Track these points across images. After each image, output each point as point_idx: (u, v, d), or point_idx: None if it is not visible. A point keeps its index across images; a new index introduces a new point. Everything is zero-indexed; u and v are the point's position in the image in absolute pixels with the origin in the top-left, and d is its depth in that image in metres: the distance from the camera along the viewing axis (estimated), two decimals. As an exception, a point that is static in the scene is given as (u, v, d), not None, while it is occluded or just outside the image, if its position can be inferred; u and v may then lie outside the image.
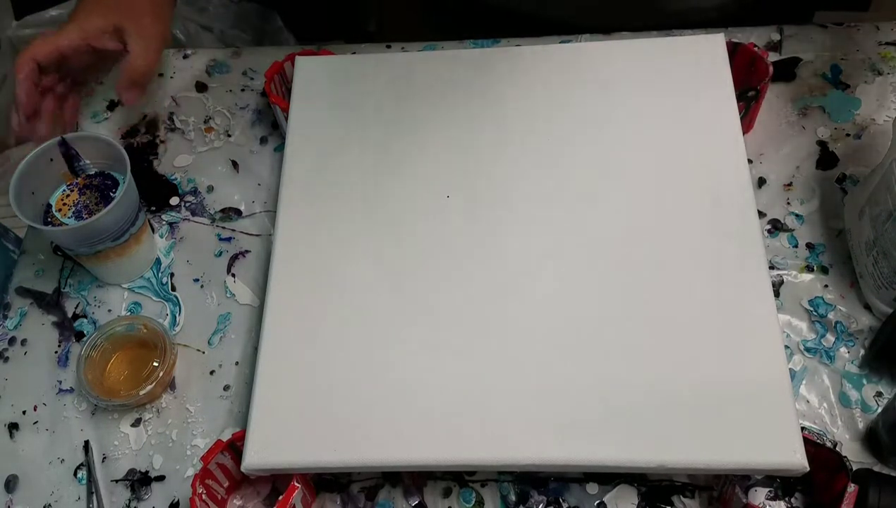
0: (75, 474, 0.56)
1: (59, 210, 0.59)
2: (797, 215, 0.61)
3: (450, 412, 0.49)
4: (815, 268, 0.59)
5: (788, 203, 0.62)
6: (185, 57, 0.76)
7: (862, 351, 0.55)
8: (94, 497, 0.55)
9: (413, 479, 0.54)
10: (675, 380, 0.49)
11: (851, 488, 0.46)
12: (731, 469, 0.47)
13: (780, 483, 0.50)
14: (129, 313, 0.62)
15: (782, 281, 0.58)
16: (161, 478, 0.55)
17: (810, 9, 0.78)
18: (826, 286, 0.58)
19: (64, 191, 0.60)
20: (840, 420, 0.53)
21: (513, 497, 0.52)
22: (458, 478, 0.53)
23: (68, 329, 0.62)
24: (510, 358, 0.50)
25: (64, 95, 0.64)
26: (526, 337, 0.51)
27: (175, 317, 0.61)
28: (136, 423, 0.57)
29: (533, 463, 0.47)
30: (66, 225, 0.58)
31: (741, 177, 0.55)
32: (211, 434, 0.56)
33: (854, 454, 0.52)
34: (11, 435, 0.58)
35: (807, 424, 0.53)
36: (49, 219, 0.59)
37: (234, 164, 0.69)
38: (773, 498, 0.50)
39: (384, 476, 0.54)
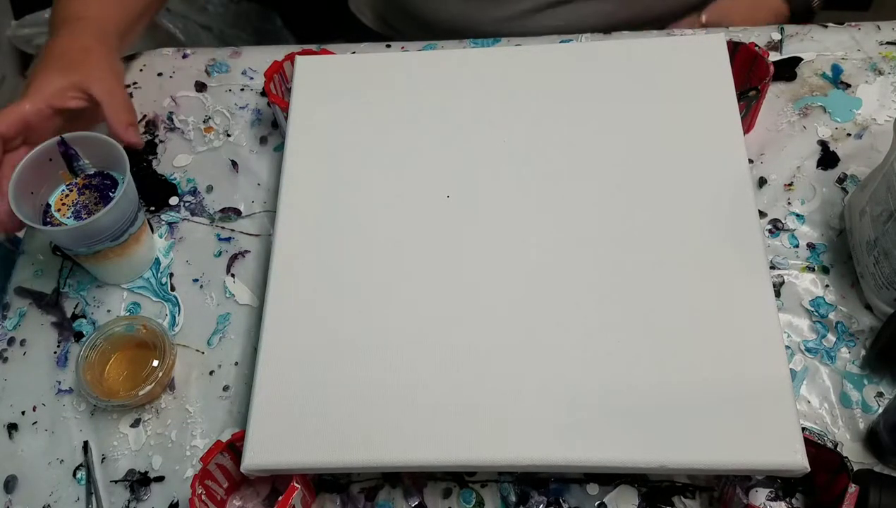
0: (74, 474, 0.56)
1: (59, 210, 0.59)
2: (798, 215, 0.61)
3: (450, 412, 0.49)
4: (815, 268, 0.58)
5: (789, 203, 0.61)
6: (185, 56, 0.76)
7: (863, 352, 0.55)
8: (94, 498, 0.55)
9: (413, 480, 0.54)
10: (675, 380, 0.49)
11: (852, 488, 0.46)
12: (731, 470, 0.47)
13: (780, 483, 0.50)
14: (128, 313, 0.62)
15: (783, 281, 0.58)
16: (160, 479, 0.55)
17: None
18: (827, 286, 0.58)
19: (63, 190, 0.60)
20: (841, 420, 0.53)
21: (513, 498, 0.52)
22: (459, 479, 0.53)
23: (67, 329, 0.62)
24: (511, 359, 0.50)
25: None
26: (526, 338, 0.51)
27: (174, 318, 0.61)
28: (136, 424, 0.57)
29: (533, 464, 0.47)
30: (65, 225, 0.58)
31: (741, 177, 0.55)
32: (210, 434, 0.56)
33: (855, 454, 0.52)
34: (10, 436, 0.58)
35: (808, 424, 0.53)
36: (48, 219, 0.59)
37: (234, 164, 0.69)
38: (774, 499, 0.50)
39: (384, 476, 0.54)
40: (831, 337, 0.56)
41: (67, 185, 0.61)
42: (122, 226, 0.58)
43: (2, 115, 0.57)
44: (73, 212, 0.59)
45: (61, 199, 0.60)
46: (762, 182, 0.63)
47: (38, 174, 0.58)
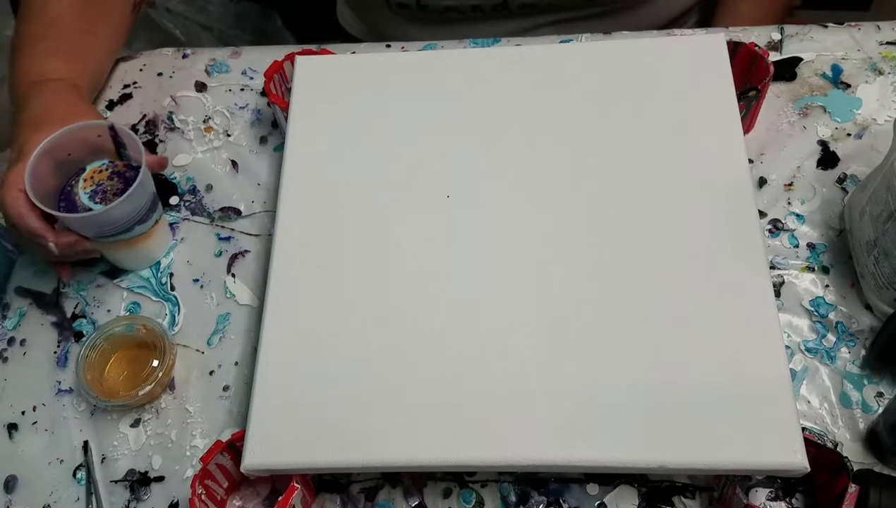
0: (74, 474, 0.56)
1: (86, 180, 0.59)
2: (798, 215, 0.61)
3: (450, 412, 0.49)
4: (815, 268, 0.58)
5: (789, 203, 0.61)
6: (185, 56, 0.76)
7: (863, 352, 0.55)
8: (94, 498, 0.55)
9: (413, 480, 0.54)
10: (675, 381, 0.49)
11: (852, 488, 0.46)
12: (731, 470, 0.47)
13: (780, 483, 0.50)
14: (128, 313, 0.62)
15: (783, 281, 0.58)
16: (160, 479, 0.55)
17: None
18: (827, 286, 0.58)
19: (104, 164, 0.60)
20: (841, 420, 0.53)
21: (513, 498, 0.52)
22: (458, 479, 0.53)
23: (67, 329, 0.62)
24: (511, 359, 0.50)
25: None
26: (526, 338, 0.51)
27: (174, 318, 0.61)
28: (136, 424, 0.57)
29: (533, 464, 0.47)
30: (81, 199, 0.58)
31: (741, 177, 0.55)
32: (210, 434, 0.56)
33: (855, 454, 0.52)
34: (10, 436, 0.58)
35: (808, 424, 0.53)
36: (71, 184, 0.59)
37: (234, 164, 0.69)
38: (774, 499, 0.50)
39: (384, 476, 0.54)
40: (831, 337, 0.56)
41: (110, 162, 0.60)
42: (133, 219, 0.58)
43: (22, 191, 0.56)
44: (92, 190, 0.59)
45: (97, 170, 0.60)
46: (762, 182, 0.63)
47: (82, 141, 0.59)
